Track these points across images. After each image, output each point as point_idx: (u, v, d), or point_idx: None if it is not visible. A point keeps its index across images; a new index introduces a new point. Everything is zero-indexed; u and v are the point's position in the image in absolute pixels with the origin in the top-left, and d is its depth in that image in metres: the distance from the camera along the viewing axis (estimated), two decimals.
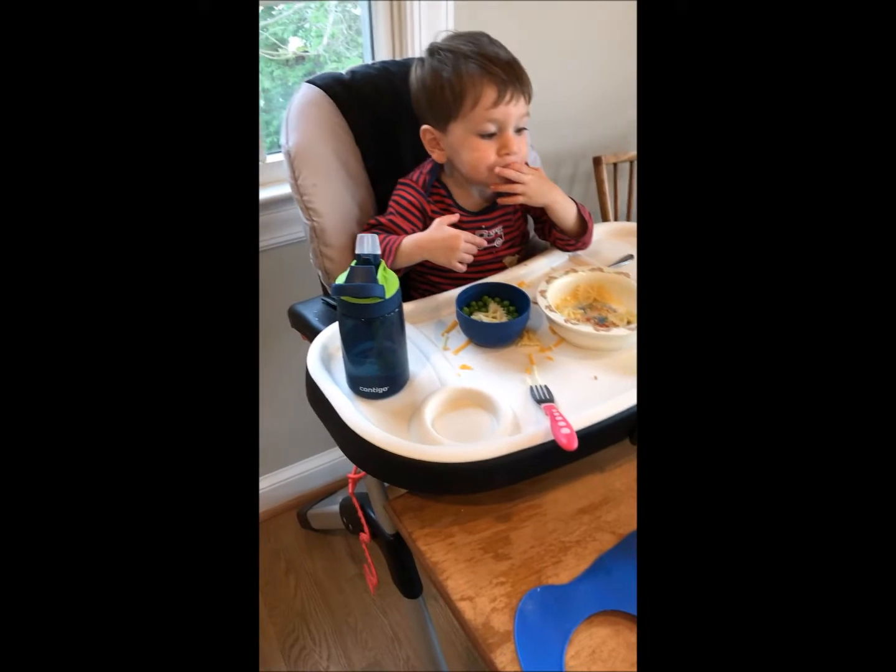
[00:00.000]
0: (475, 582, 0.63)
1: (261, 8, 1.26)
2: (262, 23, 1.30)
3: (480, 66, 0.85)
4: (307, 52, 1.38)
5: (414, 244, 0.89)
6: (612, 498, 0.71)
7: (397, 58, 1.21)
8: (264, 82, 1.39)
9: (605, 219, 1.53)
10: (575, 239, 0.99)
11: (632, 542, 0.66)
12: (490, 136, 0.88)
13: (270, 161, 1.23)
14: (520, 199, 0.91)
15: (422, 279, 0.99)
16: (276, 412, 1.44)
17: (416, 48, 1.20)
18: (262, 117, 1.36)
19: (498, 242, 0.99)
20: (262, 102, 1.38)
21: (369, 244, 0.69)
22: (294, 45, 1.36)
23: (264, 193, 1.20)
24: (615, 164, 1.51)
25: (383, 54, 1.23)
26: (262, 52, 1.34)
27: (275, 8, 1.28)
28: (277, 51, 1.35)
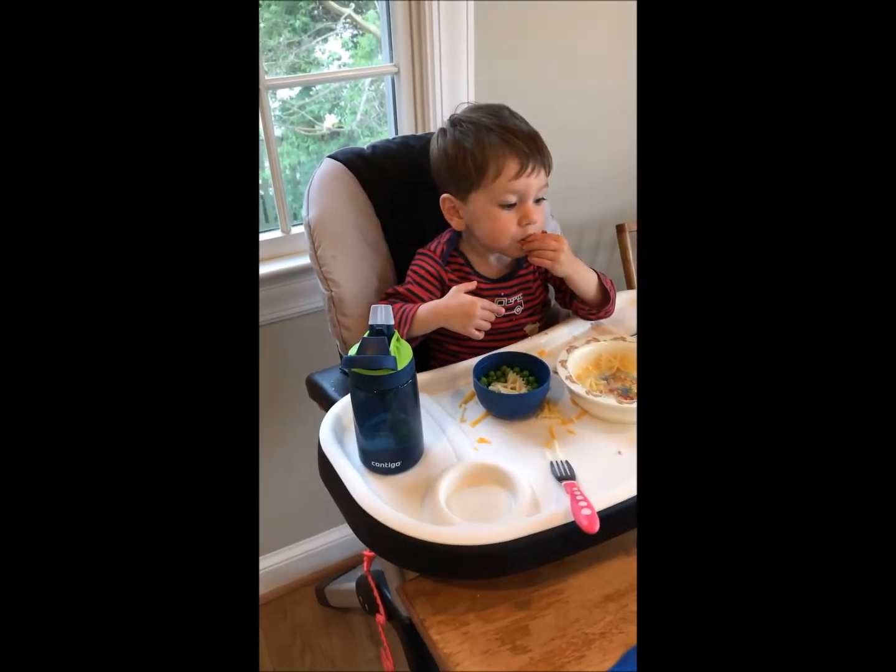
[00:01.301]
0: None
1: (299, 89, 1.33)
2: (299, 102, 1.36)
3: (502, 138, 0.86)
4: (342, 127, 1.43)
5: (430, 311, 0.88)
6: None
7: (419, 132, 1.24)
8: (300, 156, 1.44)
9: (630, 286, 1.50)
10: (597, 308, 0.97)
11: None
12: (510, 206, 0.88)
13: (295, 232, 1.25)
14: (547, 264, 0.90)
15: (440, 348, 0.98)
16: (295, 483, 1.41)
17: (438, 122, 1.22)
18: (297, 189, 1.40)
19: (518, 310, 0.98)
20: (297, 175, 1.43)
21: (383, 315, 0.68)
22: (329, 122, 1.42)
23: (288, 263, 1.21)
24: None
25: (406, 128, 1.26)
26: (299, 129, 1.40)
27: (312, 89, 1.34)
28: (314, 127, 1.40)
